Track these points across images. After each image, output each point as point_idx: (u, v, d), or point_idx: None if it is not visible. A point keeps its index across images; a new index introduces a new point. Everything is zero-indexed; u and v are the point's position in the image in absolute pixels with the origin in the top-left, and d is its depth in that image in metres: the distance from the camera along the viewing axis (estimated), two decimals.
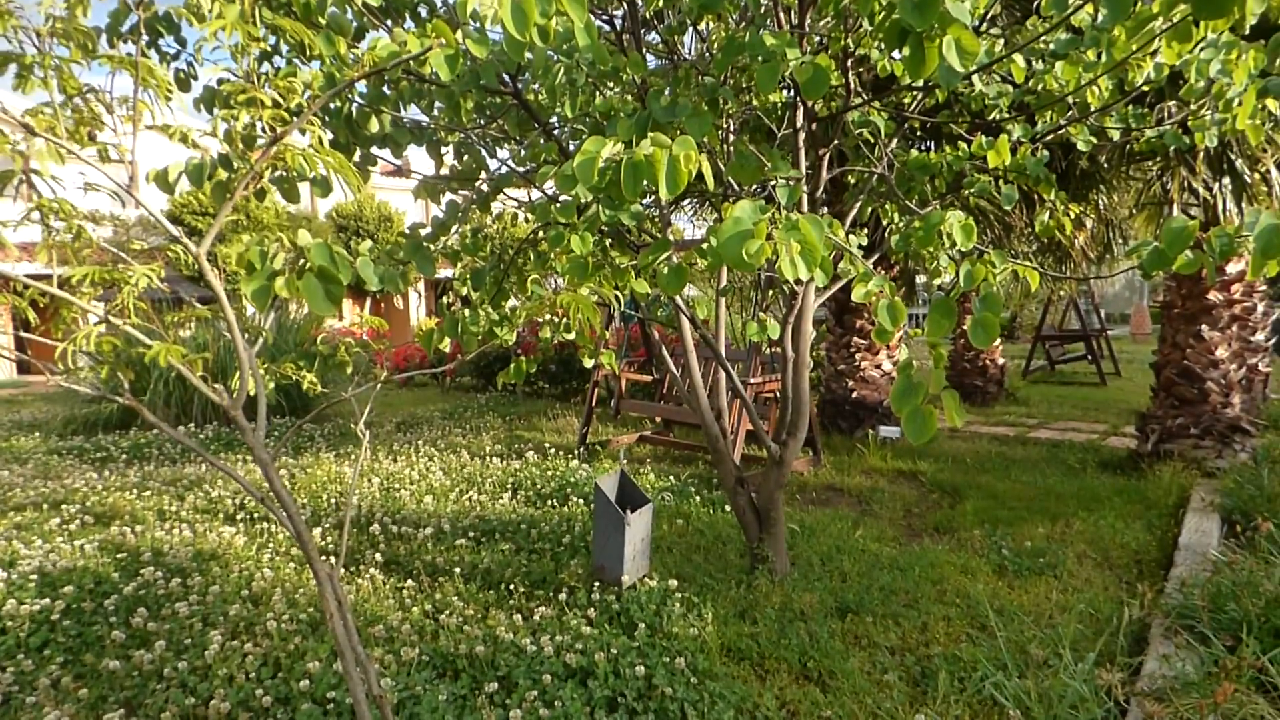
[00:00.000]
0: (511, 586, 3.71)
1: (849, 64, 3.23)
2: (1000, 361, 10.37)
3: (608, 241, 3.23)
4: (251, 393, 2.17)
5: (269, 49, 2.75)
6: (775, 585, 3.70)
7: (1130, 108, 3.71)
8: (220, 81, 2.61)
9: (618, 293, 3.23)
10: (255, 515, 5.10)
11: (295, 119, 1.92)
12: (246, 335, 2.05)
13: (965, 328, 10.38)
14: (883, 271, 7.67)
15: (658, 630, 3.16)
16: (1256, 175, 5.42)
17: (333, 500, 5.41)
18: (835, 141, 3.37)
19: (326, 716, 2.59)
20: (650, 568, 3.80)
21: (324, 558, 3.84)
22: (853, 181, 4.05)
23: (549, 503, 5.22)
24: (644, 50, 3.86)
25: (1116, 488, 5.54)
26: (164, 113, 2.05)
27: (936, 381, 2.28)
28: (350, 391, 2.65)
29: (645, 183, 1.99)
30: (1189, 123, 3.57)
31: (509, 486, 5.67)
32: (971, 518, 4.98)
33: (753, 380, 6.27)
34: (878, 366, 7.62)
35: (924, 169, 3.41)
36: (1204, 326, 5.97)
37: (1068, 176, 6.39)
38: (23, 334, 2.26)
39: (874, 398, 7.57)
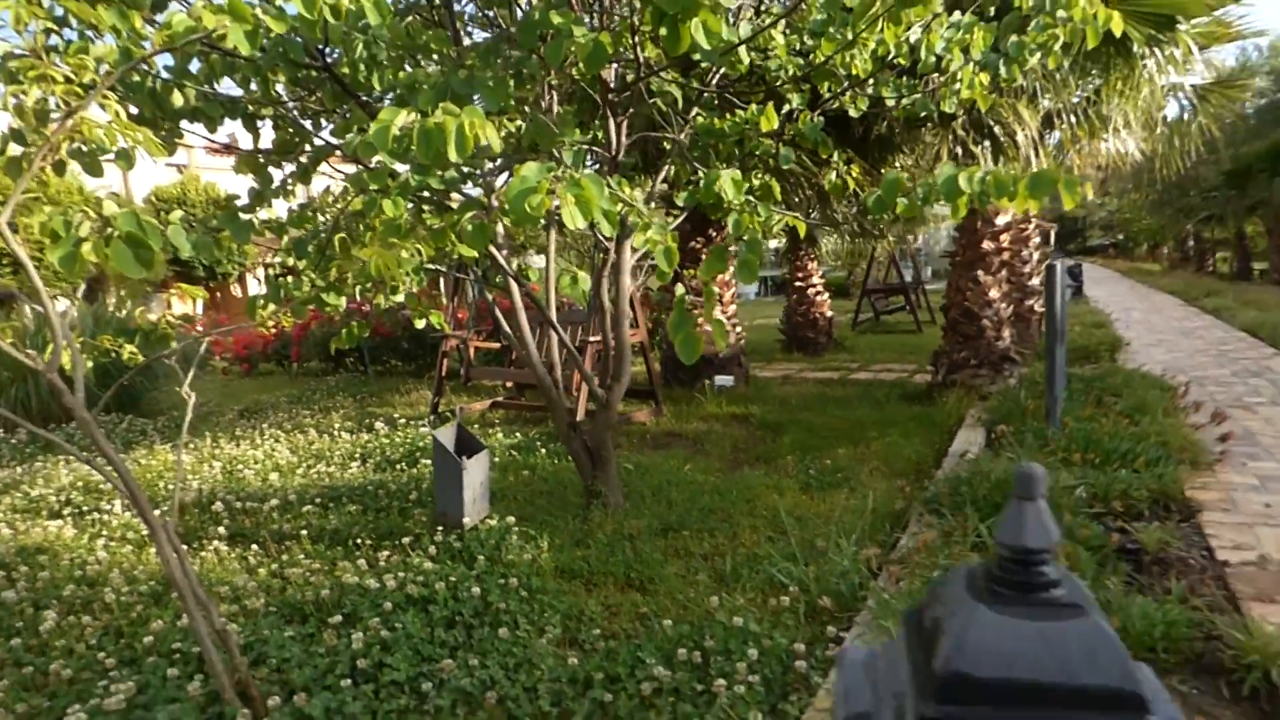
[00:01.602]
0: (359, 541, 3.89)
1: (638, 40, 3.56)
2: (829, 315, 11.31)
3: (426, 207, 3.43)
4: (66, 366, 2.26)
5: (55, 22, 2.74)
6: (609, 516, 4.09)
7: (904, 79, 4.25)
8: (5, 56, 2.60)
9: (460, 258, 3.44)
10: (84, 509, 4.93)
11: (90, 93, 2.02)
12: (56, 300, 2.14)
13: (806, 286, 11.18)
14: (714, 233, 8.25)
15: (497, 561, 3.47)
16: (1017, 139, 6.30)
17: (169, 487, 5.31)
18: (630, 109, 3.71)
19: (173, 665, 2.71)
20: (491, 510, 4.09)
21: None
22: (667, 146, 4.43)
23: (398, 467, 5.37)
24: (458, 24, 4.04)
25: (912, 415, 6.36)
26: None
27: (708, 313, 2.69)
28: (187, 381, 2.74)
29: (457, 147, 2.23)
30: (939, 92, 4.18)
31: (358, 457, 5.76)
32: (788, 448, 5.59)
33: (593, 339, 6.63)
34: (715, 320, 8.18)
35: (710, 134, 3.83)
36: (980, 272, 6.89)
37: (866, 141, 7.11)
38: None
39: (711, 350, 8.13)
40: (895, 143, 6.96)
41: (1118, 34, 3.57)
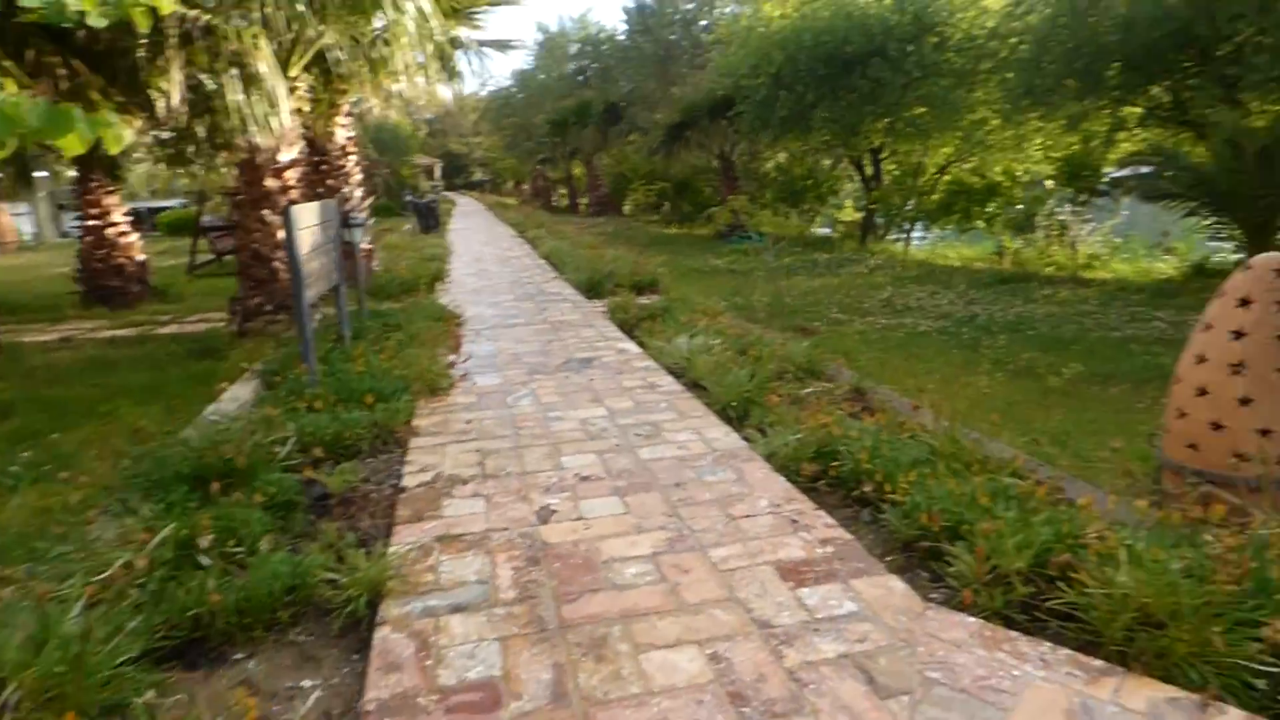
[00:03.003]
0: None
1: None
2: (139, 259, 9.72)
3: None
4: None
5: None
6: None
7: None
8: None
9: None
10: None
11: None
12: None
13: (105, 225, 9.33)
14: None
15: None
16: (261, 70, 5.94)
17: None
18: None
19: None
20: None
21: None
22: None
23: None
24: None
25: (195, 373, 5.76)
26: None
27: None
28: None
29: None
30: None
31: None
32: (6, 438, 4.47)
33: None
34: None
35: None
36: (266, 211, 6.53)
37: (110, 57, 5.98)
38: None
39: None
40: (139, 65, 5.98)
41: None
